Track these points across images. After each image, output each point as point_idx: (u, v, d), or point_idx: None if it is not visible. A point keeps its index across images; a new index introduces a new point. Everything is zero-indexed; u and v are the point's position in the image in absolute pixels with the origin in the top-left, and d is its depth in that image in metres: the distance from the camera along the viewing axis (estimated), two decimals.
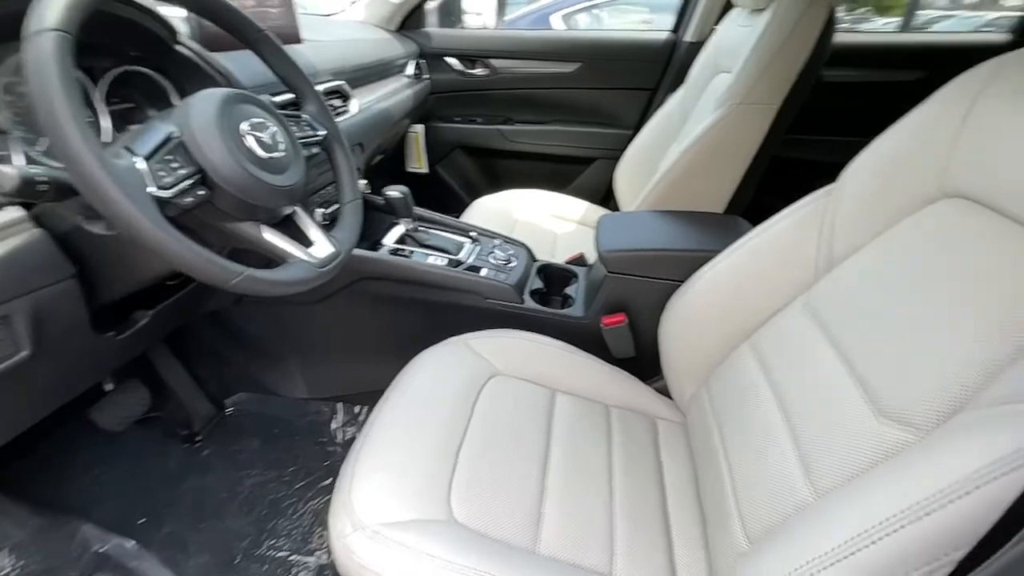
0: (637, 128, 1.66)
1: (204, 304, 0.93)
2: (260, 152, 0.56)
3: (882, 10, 2.96)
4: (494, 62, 1.65)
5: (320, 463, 1.07)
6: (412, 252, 1.02)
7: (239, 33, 0.65)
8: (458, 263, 1.01)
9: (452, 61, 1.68)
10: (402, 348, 1.03)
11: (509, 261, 1.04)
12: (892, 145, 0.64)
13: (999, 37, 1.45)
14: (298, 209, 0.65)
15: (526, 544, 0.63)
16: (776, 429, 0.60)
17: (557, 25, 2.44)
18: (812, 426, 0.56)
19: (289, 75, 0.70)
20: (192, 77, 0.75)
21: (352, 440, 1.11)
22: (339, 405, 1.16)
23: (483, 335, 0.91)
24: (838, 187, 0.69)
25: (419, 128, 1.68)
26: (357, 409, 1.16)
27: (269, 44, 0.67)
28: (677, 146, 1.32)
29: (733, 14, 1.25)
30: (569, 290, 1.07)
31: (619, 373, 0.90)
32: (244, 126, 0.56)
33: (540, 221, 1.50)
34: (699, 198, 1.09)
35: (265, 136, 0.58)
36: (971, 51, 1.48)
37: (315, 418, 1.15)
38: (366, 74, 1.26)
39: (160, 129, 0.51)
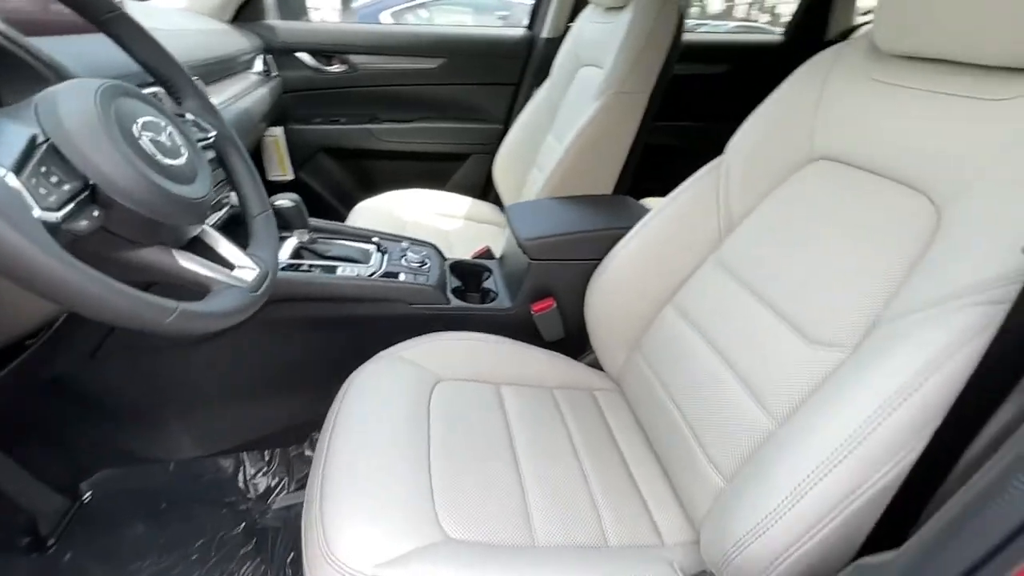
0: (506, 122, 1.72)
1: (48, 367, 0.71)
2: (162, 158, 0.45)
3: None
4: (353, 58, 1.55)
5: (235, 526, 0.91)
6: (312, 266, 0.92)
7: (85, 9, 0.50)
8: (372, 271, 0.93)
9: (304, 57, 1.53)
10: (323, 374, 0.92)
11: (424, 263, 0.99)
12: (764, 121, 0.76)
13: (774, 38, 1.81)
14: (206, 227, 0.53)
15: (524, 541, 0.62)
16: (719, 373, 0.68)
17: (387, 23, 2.38)
18: (752, 363, 0.64)
19: (158, 63, 0.57)
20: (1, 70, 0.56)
21: (270, 490, 0.96)
22: (244, 455, 1.00)
23: (414, 343, 0.87)
24: (725, 159, 0.80)
25: (278, 131, 1.50)
26: (268, 455, 1.01)
27: (128, 25, 0.54)
28: (553, 137, 1.39)
29: (587, 12, 1.36)
30: (487, 284, 1.07)
31: (553, 355, 0.94)
32: (137, 126, 0.44)
33: (429, 220, 1.47)
34: (590, 183, 1.17)
35: (163, 138, 0.46)
36: (755, 48, 1.83)
37: (215, 476, 0.97)
38: (212, 70, 1.08)
39: (14, 131, 0.37)
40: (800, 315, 0.62)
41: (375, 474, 0.64)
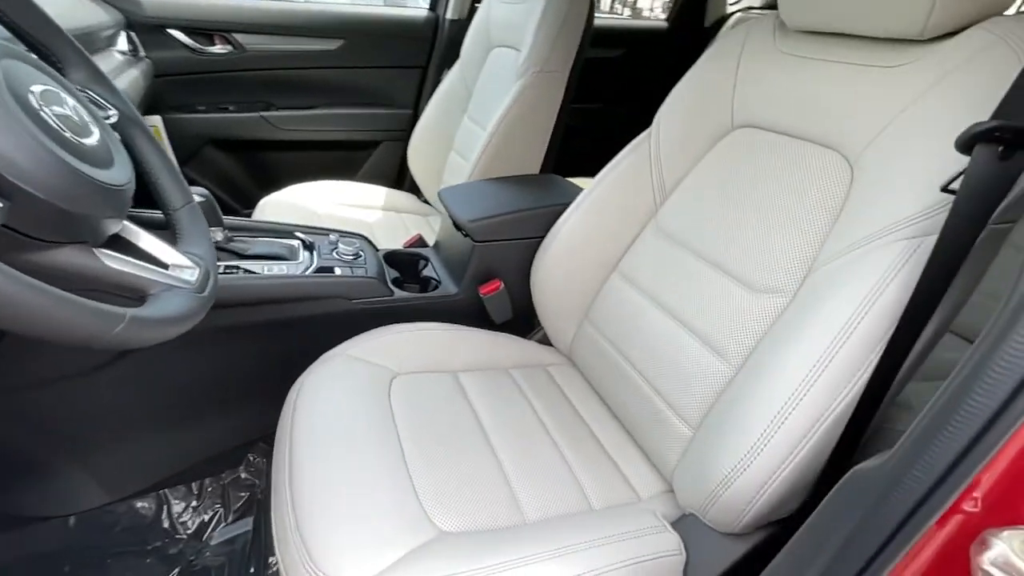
0: (416, 106, 1.66)
1: None
2: (71, 136, 0.37)
3: None
4: (239, 38, 1.38)
5: (167, 573, 0.79)
6: (234, 267, 0.81)
7: None
8: (304, 268, 0.85)
9: (178, 35, 1.33)
10: (259, 386, 0.83)
11: (358, 255, 0.93)
12: (688, 95, 0.81)
13: (659, 24, 1.95)
14: (128, 223, 0.45)
15: (516, 520, 0.62)
16: (672, 331, 0.72)
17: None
18: (703, 317, 0.69)
19: (32, 26, 0.46)
20: None
21: (205, 526, 0.85)
22: (166, 492, 0.86)
23: (362, 340, 0.82)
24: (654, 131, 0.84)
25: (156, 120, 1.30)
26: (196, 487, 0.88)
27: None
28: (470, 120, 1.37)
29: None
30: (427, 272, 1.03)
31: (503, 336, 0.94)
32: (34, 96, 0.35)
33: (345, 213, 1.38)
34: (516, 164, 1.17)
35: (68, 112, 0.37)
36: (644, 33, 1.95)
37: (131, 522, 0.83)
38: None
39: None
40: (741, 268, 0.67)
41: (353, 480, 0.59)
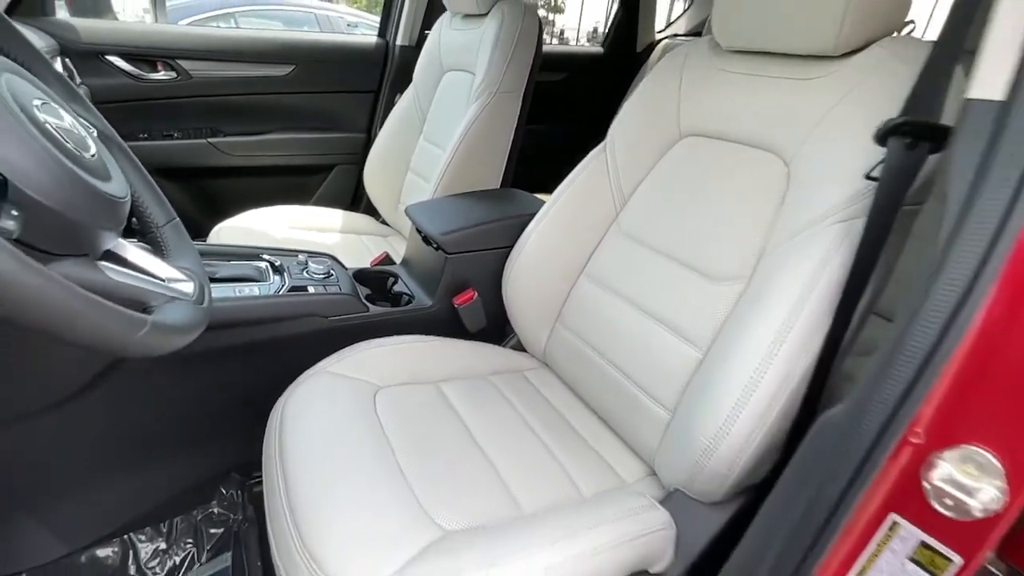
0: (369, 130, 1.67)
1: None
2: (74, 148, 0.37)
3: None
4: (184, 64, 1.35)
5: None
6: None
7: None
8: (276, 288, 0.84)
9: (117, 62, 1.28)
10: (234, 413, 0.81)
11: (329, 274, 0.93)
12: (637, 110, 0.89)
13: (596, 49, 2.08)
14: (122, 239, 0.44)
15: (514, 514, 0.64)
16: (643, 323, 0.78)
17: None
18: (669, 308, 0.75)
19: (17, 48, 0.45)
20: None
21: (177, 569, 0.80)
22: (131, 536, 0.81)
23: (340, 357, 0.82)
24: (609, 144, 0.91)
25: None
26: (166, 527, 0.83)
27: None
28: (426, 141, 1.41)
29: (445, 20, 1.40)
30: (397, 288, 1.04)
31: (479, 345, 0.96)
32: (37, 109, 0.35)
33: (304, 236, 1.36)
34: (477, 182, 1.21)
35: (67, 125, 0.37)
36: (583, 58, 2.08)
37: (95, 572, 0.77)
38: None
39: None
40: (700, 260, 0.74)
41: (354, 494, 0.59)
